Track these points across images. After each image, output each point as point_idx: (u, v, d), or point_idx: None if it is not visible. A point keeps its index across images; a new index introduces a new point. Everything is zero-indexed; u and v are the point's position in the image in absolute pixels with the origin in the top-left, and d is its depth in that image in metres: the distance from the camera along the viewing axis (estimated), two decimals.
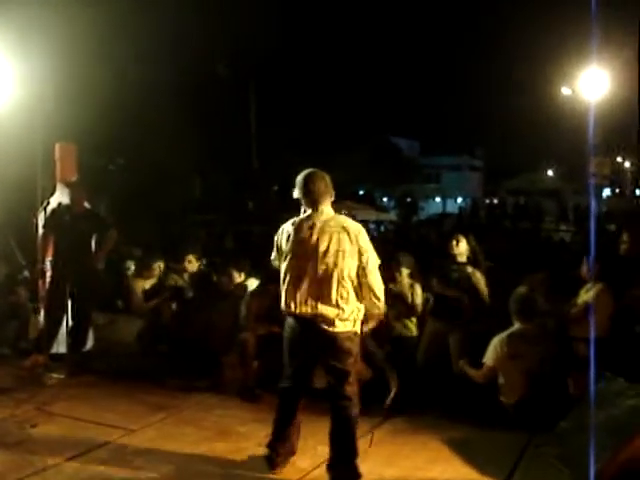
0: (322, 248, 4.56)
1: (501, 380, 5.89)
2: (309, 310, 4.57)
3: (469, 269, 6.65)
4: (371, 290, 4.65)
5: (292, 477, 4.69)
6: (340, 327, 4.57)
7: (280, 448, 4.79)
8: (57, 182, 7.87)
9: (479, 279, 6.62)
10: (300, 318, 4.63)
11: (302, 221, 4.71)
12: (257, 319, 6.84)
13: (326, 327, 4.56)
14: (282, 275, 4.71)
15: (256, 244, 13.78)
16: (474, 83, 61.01)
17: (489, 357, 5.90)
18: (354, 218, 5.21)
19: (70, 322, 7.45)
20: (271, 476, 4.68)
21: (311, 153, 28.57)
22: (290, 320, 4.74)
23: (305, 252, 4.60)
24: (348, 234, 4.60)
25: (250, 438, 5.37)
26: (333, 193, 4.80)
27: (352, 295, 4.60)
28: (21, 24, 9.03)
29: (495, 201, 58.94)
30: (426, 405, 6.07)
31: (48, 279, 7.56)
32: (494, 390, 5.90)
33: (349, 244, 4.58)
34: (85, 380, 7.01)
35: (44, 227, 7.50)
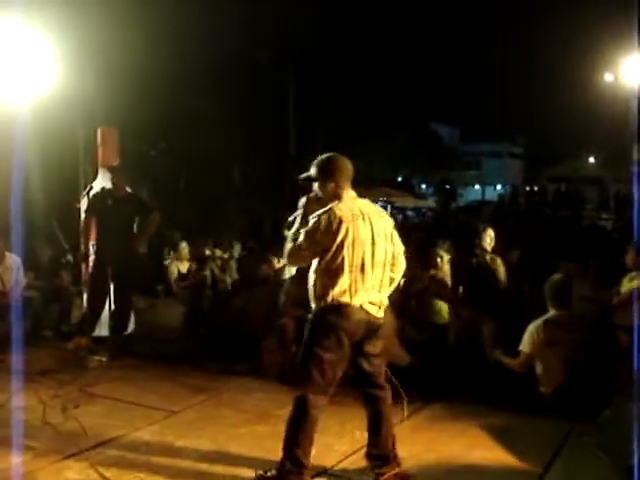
0: (379, 232, 4.37)
1: (539, 369, 5.83)
2: (375, 299, 4.36)
3: (488, 256, 6.64)
4: (398, 276, 4.58)
5: (331, 461, 4.69)
6: (382, 315, 4.47)
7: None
8: (99, 167, 7.96)
9: (499, 265, 6.60)
10: (358, 309, 4.31)
11: (348, 208, 4.35)
12: (296, 304, 6.86)
13: (379, 316, 4.39)
14: (331, 264, 4.28)
15: None
16: (515, 70, 60.29)
17: (525, 344, 5.85)
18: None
19: (112, 305, 7.55)
20: (311, 460, 4.68)
21: (349, 139, 28.47)
22: (345, 310, 4.31)
23: (364, 239, 4.31)
24: (385, 217, 4.54)
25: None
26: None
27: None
28: (62, 10, 9.12)
29: (535, 188, 58.25)
30: (465, 392, 6.04)
31: (91, 263, 7.67)
32: (532, 380, 5.84)
33: (390, 227, 4.53)
34: (127, 363, 7.12)
35: (86, 211, 7.60)
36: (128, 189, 7.79)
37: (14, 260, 8.20)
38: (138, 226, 7.75)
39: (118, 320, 7.59)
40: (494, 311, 6.62)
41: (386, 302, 4.47)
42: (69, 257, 9.01)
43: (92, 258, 7.66)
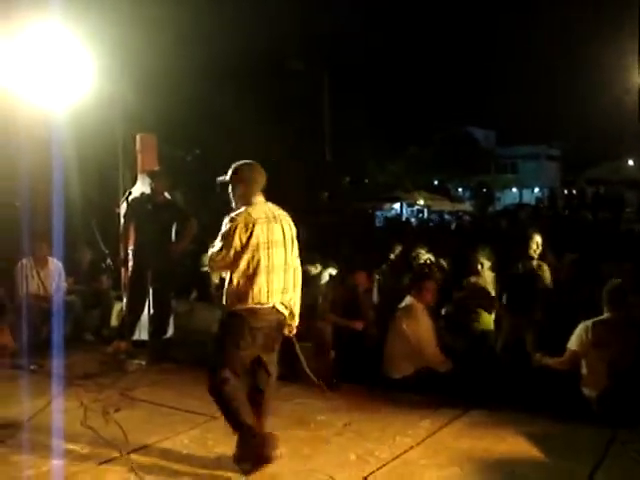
0: (288, 235, 4.68)
1: (584, 370, 5.74)
2: (285, 300, 4.68)
3: (535, 263, 6.56)
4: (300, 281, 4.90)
5: (371, 468, 4.66)
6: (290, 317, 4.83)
7: None
8: (139, 172, 8.03)
9: (545, 272, 6.52)
10: (273, 310, 4.61)
11: (262, 211, 4.61)
12: (333, 308, 6.86)
13: (286, 317, 4.77)
14: (246, 267, 4.50)
15: (328, 235, 13.81)
16: (552, 72, 59.65)
17: (573, 342, 5.77)
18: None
19: (151, 310, 7.61)
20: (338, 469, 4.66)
21: (384, 144, 28.45)
22: (259, 312, 4.56)
23: (276, 241, 4.59)
24: (291, 221, 4.77)
25: (328, 427, 5.39)
26: None
27: None
28: (100, 16, 9.22)
29: (574, 191, 57.48)
30: (505, 399, 5.96)
31: (130, 267, 7.73)
32: (576, 383, 5.76)
33: (294, 231, 4.75)
34: (166, 367, 7.17)
35: (125, 216, 7.67)
36: (167, 195, 7.84)
37: (56, 265, 8.31)
38: (176, 232, 7.80)
39: (157, 324, 7.64)
40: (539, 318, 6.52)
41: (296, 304, 4.81)
42: (109, 262, 9.08)
43: (131, 263, 7.72)
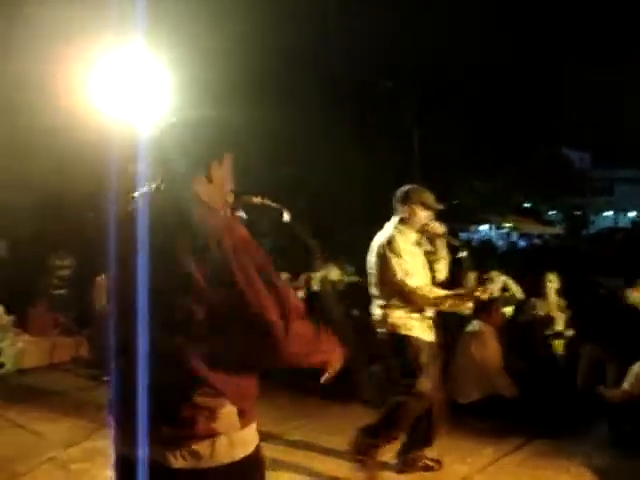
0: None
1: None
2: None
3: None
4: None
5: None
6: None
7: None
8: None
9: (629, 297, 6.28)
10: None
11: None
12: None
13: None
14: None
15: None
16: None
17: (627, 382, 5.53)
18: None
19: None
20: None
21: (474, 166, 28.03)
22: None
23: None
24: None
25: (387, 451, 5.33)
26: None
27: None
28: (179, 37, 9.46)
29: None
30: (573, 429, 5.78)
31: None
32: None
33: None
34: None
35: None
36: (241, 214, 7.94)
37: None
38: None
39: None
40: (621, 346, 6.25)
41: None
42: None
43: None
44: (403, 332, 4.60)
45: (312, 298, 8.76)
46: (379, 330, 4.75)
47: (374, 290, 4.78)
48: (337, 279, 9.10)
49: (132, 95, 7.63)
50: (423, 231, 4.76)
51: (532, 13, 25.09)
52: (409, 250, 4.63)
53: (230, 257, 2.04)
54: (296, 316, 2.13)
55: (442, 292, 4.64)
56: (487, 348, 6.29)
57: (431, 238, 4.82)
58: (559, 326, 6.81)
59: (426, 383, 4.57)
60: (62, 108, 8.51)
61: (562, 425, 5.73)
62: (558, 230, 35.21)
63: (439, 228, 4.78)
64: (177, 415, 2.09)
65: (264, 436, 4.80)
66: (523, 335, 6.71)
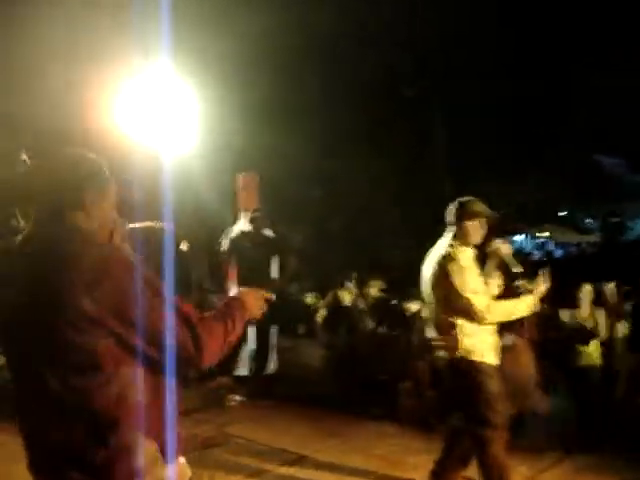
0: None
1: None
2: None
3: None
4: None
5: None
6: None
7: None
8: (240, 210, 8.18)
9: None
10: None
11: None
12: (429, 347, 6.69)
13: None
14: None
15: None
16: None
17: None
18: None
19: (252, 346, 7.69)
20: None
21: (508, 175, 27.77)
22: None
23: None
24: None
25: (418, 469, 5.22)
26: None
27: None
28: (206, 60, 9.50)
29: None
30: (613, 442, 5.62)
31: None
32: None
33: None
34: (265, 403, 7.21)
35: (225, 253, 7.82)
36: (267, 232, 7.93)
37: None
38: (278, 269, 7.87)
39: (258, 360, 7.71)
40: None
41: None
42: (214, 299, 9.26)
43: None
44: (473, 358, 4.29)
45: (339, 313, 8.71)
46: (438, 354, 4.46)
47: (432, 311, 4.48)
48: (377, 295, 8.99)
49: (157, 118, 7.65)
50: (487, 250, 4.46)
51: (566, 16, 24.71)
52: (471, 267, 4.31)
53: (120, 286, 1.95)
54: (199, 323, 2.07)
55: (510, 301, 4.39)
56: (520, 362, 6.14)
57: (490, 256, 4.48)
58: (595, 336, 6.64)
59: (500, 414, 4.39)
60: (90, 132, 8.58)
61: (601, 438, 5.57)
62: (595, 238, 34.67)
63: (505, 249, 4.45)
64: (92, 461, 1.97)
65: (288, 458, 4.79)
66: (558, 347, 6.56)
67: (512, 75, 26.46)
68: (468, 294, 4.17)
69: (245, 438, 6.03)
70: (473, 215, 4.39)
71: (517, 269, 4.40)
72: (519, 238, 35.88)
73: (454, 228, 4.41)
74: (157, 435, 2.05)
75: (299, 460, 5.45)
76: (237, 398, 7.23)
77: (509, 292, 4.73)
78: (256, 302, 2.37)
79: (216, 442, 5.86)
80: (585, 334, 6.53)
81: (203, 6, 10.65)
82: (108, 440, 1.97)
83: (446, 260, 4.25)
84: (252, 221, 7.79)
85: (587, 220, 49.40)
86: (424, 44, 22.24)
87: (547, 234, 35.09)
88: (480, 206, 4.45)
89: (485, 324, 4.26)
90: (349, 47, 19.14)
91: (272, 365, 7.96)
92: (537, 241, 37.41)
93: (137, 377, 2.01)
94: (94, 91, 8.10)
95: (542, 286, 4.43)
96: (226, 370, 7.65)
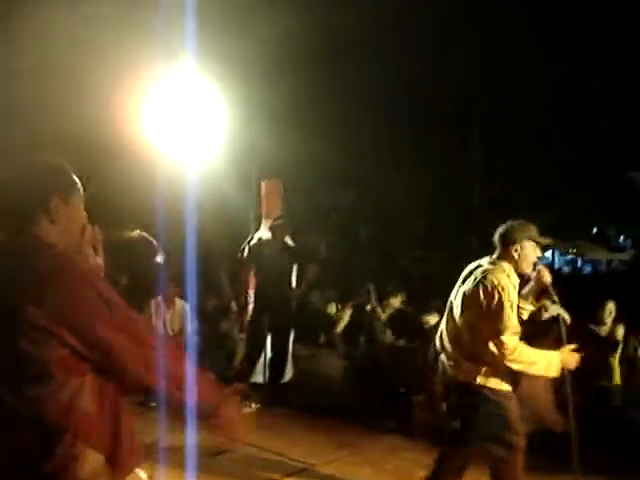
0: None
1: None
2: None
3: None
4: None
5: None
6: None
7: None
8: (263, 217, 8.18)
9: None
10: None
11: None
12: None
13: None
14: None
15: None
16: None
17: None
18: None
19: (269, 353, 7.67)
20: None
21: (540, 191, 27.53)
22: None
23: None
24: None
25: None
26: None
27: None
28: (231, 63, 9.51)
29: None
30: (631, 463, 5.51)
31: (250, 311, 7.86)
32: None
33: None
34: (279, 411, 7.17)
35: (246, 260, 7.83)
36: (288, 240, 7.92)
37: (183, 306, 8.56)
38: (297, 277, 7.86)
39: (274, 368, 7.69)
40: None
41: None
42: (233, 305, 9.28)
43: (251, 306, 7.84)
44: (489, 385, 4.19)
45: (358, 324, 8.68)
46: (452, 374, 4.34)
47: (453, 325, 4.27)
48: (397, 307, 8.92)
49: (183, 123, 7.67)
50: (530, 274, 4.19)
51: (602, 32, 24.47)
52: (510, 295, 4.02)
53: (70, 297, 1.95)
54: (152, 342, 2.08)
55: (538, 354, 4.25)
56: (537, 380, 6.05)
57: (534, 281, 4.20)
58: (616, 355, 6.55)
59: (519, 436, 4.32)
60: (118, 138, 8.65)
61: (618, 459, 5.47)
62: (626, 256, 34.18)
63: (548, 277, 4.21)
64: (41, 470, 1.96)
65: (296, 467, 4.76)
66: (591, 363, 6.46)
67: (546, 93, 26.29)
68: (501, 327, 3.97)
69: (255, 446, 5.98)
70: (524, 240, 4.17)
71: (556, 299, 4.28)
72: (548, 254, 35.54)
73: (502, 251, 4.21)
74: (106, 446, 2.05)
75: (307, 470, 5.43)
76: (251, 405, 7.20)
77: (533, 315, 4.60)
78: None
79: (225, 449, 5.83)
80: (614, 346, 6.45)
81: (227, 9, 10.69)
82: (56, 449, 1.97)
83: (487, 283, 4.02)
84: (272, 229, 7.79)
85: (619, 238, 48.82)
86: (466, 63, 22.16)
87: (575, 250, 34.65)
88: (532, 231, 4.23)
89: (504, 362, 4.08)
90: (373, 53, 18.99)
91: (288, 373, 7.94)
92: (567, 257, 37.01)
93: (88, 387, 2.01)
94: (121, 96, 8.17)
95: (571, 358, 4.37)
96: (243, 376, 7.64)
